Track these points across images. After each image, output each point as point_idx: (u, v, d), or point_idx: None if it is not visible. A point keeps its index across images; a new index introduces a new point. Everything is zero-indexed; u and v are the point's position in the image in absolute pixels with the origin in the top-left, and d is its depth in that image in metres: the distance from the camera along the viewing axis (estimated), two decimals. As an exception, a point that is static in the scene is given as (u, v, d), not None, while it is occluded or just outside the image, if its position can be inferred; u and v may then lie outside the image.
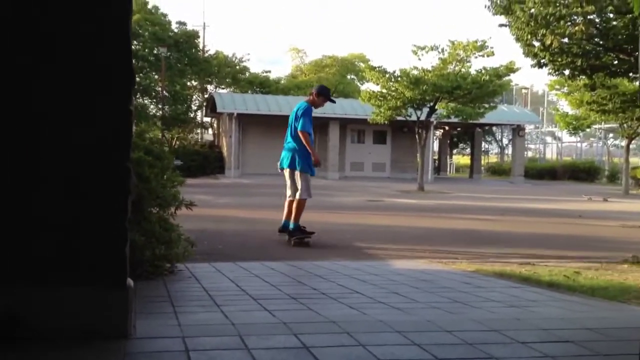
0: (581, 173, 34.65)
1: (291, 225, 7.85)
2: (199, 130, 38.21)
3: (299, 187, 7.94)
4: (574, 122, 27.84)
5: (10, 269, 2.71)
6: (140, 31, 33.19)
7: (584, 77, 11.70)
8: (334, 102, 8.96)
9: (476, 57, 21.99)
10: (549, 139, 49.80)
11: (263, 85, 38.42)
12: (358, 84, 45.22)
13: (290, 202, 8.01)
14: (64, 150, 2.74)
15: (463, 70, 22.02)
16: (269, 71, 44.06)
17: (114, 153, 2.78)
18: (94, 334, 2.73)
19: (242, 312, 3.61)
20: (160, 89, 33.76)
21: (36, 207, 2.72)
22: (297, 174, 7.97)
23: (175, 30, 35.63)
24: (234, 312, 3.55)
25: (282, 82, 42.01)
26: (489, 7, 11.78)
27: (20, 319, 2.66)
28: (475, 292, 4.60)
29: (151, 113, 34.19)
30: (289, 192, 8.08)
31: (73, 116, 2.75)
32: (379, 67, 22.28)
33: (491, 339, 3.04)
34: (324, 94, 8.42)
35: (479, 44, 21.35)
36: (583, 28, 10.28)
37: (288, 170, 8.05)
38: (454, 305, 4.05)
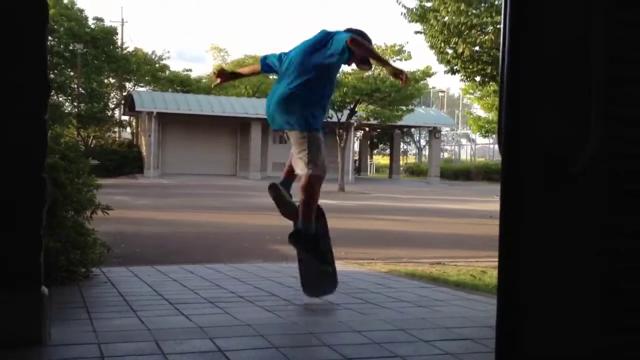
0: (494, 174, 35.94)
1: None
2: (116, 129, 37.35)
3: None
4: (486, 125, 28.93)
5: None
6: (55, 27, 32.14)
7: (494, 83, 12.25)
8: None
9: (394, 61, 22.52)
10: (464, 140, 51.49)
11: (184, 84, 37.97)
12: (280, 84, 45.27)
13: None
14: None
15: (382, 73, 22.53)
16: (190, 70, 43.61)
17: (28, 163, 2.80)
18: (8, 341, 2.73)
19: (158, 317, 3.67)
20: (75, 86, 32.81)
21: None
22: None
23: (93, 27, 34.70)
24: (150, 318, 3.60)
25: (204, 81, 41.59)
26: (405, 14, 12.19)
27: None
28: (386, 292, 4.81)
29: (66, 111, 33.18)
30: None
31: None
32: (300, 68, 22.47)
33: (397, 338, 3.23)
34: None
35: (397, 48, 21.91)
36: (493, 37, 10.79)
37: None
38: (366, 306, 4.24)
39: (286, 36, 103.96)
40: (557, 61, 1.41)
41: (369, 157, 43.06)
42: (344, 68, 22.38)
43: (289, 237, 4.35)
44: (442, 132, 37.03)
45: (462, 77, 12.05)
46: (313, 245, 4.26)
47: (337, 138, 22.82)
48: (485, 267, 6.57)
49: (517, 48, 1.42)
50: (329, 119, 23.13)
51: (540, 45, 1.40)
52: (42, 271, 2.88)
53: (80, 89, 32.62)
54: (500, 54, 1.45)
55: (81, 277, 4.93)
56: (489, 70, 11.71)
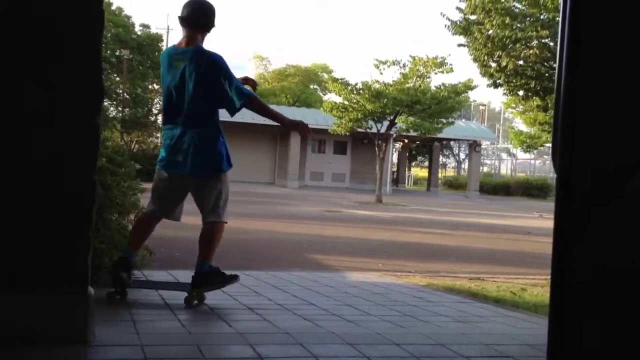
0: (534, 189, 35.46)
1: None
2: (159, 135, 37.90)
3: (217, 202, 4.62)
4: (527, 140, 28.54)
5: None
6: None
7: (537, 98, 12.10)
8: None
9: (436, 73, 22.45)
10: (504, 155, 50.91)
11: (225, 91, 38.29)
12: (321, 94, 45.49)
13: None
14: (31, 160, 2.82)
15: (423, 85, 22.44)
16: (232, 77, 43.81)
17: (81, 165, 2.87)
18: (54, 339, 2.81)
19: (198, 322, 3.72)
20: (121, 91, 33.43)
21: (3, 215, 2.79)
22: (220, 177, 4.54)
23: (139, 33, 35.35)
24: (191, 322, 3.66)
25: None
26: (448, 27, 12.13)
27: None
28: (425, 306, 4.79)
29: (111, 115, 33.81)
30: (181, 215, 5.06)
31: (42, 129, 2.83)
32: (341, 79, 22.58)
33: (437, 352, 3.22)
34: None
35: (438, 60, 21.81)
36: (537, 52, 10.66)
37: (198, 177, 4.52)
38: (404, 318, 4.22)
39: (328, 44, 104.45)
40: (613, 76, 1.40)
41: (407, 168, 42.86)
42: (386, 79, 22.38)
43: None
44: (482, 146, 36.67)
45: (505, 91, 11.91)
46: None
47: (376, 149, 22.78)
48: (525, 284, 6.49)
49: (574, 63, 1.41)
50: (368, 130, 23.17)
51: (598, 60, 1.40)
52: (89, 272, 2.95)
53: (125, 94, 33.24)
54: (557, 68, 1.44)
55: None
56: (532, 85, 11.54)
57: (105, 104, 34.23)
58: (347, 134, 23.84)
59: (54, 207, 2.83)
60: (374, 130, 22.76)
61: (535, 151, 35.21)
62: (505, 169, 48.42)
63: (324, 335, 3.52)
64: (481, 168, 41.14)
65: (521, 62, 11.39)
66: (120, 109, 33.59)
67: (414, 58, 22.26)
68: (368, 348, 3.19)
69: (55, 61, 2.85)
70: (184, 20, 4.30)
